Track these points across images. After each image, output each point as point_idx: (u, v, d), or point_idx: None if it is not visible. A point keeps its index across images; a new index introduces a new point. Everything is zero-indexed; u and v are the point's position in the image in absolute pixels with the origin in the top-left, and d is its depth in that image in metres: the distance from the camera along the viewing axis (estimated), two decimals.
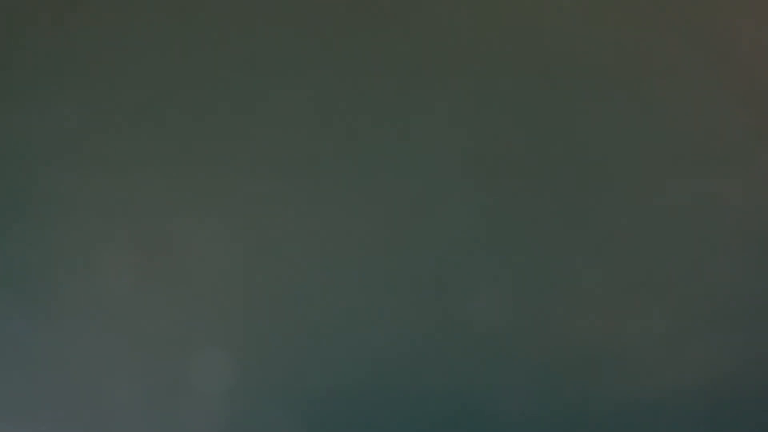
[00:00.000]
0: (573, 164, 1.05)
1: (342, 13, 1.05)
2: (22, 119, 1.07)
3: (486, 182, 1.05)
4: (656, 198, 1.05)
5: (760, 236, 1.05)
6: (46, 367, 1.09)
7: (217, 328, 1.08)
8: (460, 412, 1.08)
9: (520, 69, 1.04)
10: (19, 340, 1.08)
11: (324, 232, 1.06)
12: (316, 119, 1.05)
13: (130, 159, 1.07)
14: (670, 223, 1.05)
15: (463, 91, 1.04)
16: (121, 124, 1.07)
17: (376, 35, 1.04)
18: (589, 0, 1.03)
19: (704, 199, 1.05)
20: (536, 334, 1.07)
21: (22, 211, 1.07)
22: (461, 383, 1.07)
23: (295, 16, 1.05)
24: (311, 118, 1.05)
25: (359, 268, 1.07)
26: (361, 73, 1.05)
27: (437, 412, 1.08)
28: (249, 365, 1.08)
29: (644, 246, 1.05)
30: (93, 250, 1.07)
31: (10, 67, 1.07)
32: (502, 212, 1.06)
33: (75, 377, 1.09)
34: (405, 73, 1.04)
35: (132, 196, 1.07)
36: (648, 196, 1.05)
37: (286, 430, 1.08)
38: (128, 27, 1.06)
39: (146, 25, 1.06)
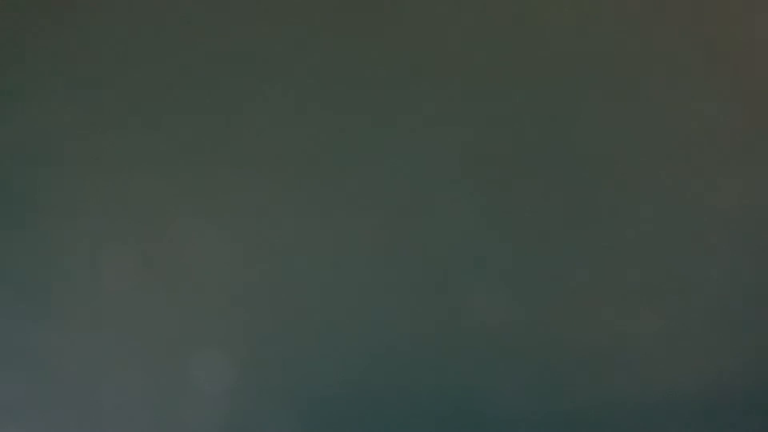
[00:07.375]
0: (573, 164, 1.05)
1: (340, 13, 1.05)
2: (22, 119, 1.07)
3: (486, 182, 1.05)
4: (657, 198, 1.05)
5: (760, 236, 1.05)
6: (46, 367, 1.09)
7: (217, 328, 1.08)
8: (460, 412, 1.08)
9: (521, 68, 1.04)
10: (18, 340, 1.08)
11: (324, 231, 1.07)
12: (317, 119, 1.06)
13: (130, 159, 1.07)
14: (671, 223, 1.05)
15: (463, 90, 1.04)
16: (121, 125, 1.07)
17: (374, 35, 1.04)
18: None
19: (704, 199, 1.05)
20: (537, 333, 1.07)
21: (22, 211, 1.07)
22: (462, 383, 1.07)
23: (295, 16, 1.05)
24: (312, 118, 1.06)
25: (359, 267, 1.07)
26: (361, 74, 1.05)
27: (438, 413, 1.08)
28: (249, 365, 1.08)
29: (645, 246, 1.05)
30: (93, 251, 1.08)
31: (10, 67, 1.07)
32: (503, 212, 1.06)
33: (75, 377, 1.09)
34: (405, 72, 1.04)
35: (132, 196, 1.07)
36: (648, 195, 1.05)
37: (285, 430, 1.08)
38: (128, 27, 1.06)
39: (147, 25, 1.06)
